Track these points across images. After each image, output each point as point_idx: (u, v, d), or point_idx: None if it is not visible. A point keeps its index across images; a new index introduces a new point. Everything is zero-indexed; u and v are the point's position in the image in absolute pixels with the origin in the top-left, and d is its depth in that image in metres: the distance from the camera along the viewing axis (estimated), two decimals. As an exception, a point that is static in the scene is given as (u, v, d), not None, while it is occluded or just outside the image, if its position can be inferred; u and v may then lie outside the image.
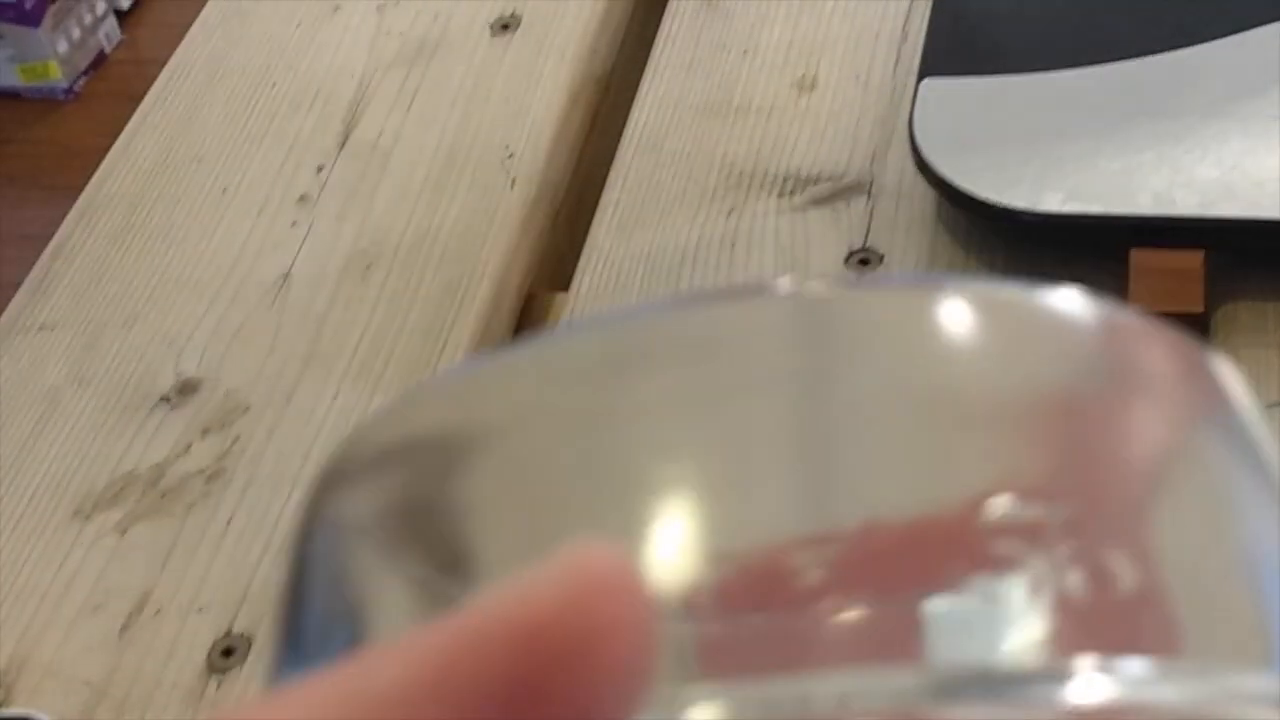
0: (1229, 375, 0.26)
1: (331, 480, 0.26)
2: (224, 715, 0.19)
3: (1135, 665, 0.21)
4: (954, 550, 0.22)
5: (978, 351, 0.25)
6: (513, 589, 0.19)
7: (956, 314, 0.25)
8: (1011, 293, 0.25)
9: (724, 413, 0.24)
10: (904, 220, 0.74)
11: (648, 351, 0.25)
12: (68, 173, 0.95)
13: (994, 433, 0.24)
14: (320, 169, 0.81)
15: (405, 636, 0.19)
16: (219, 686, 0.61)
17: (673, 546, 0.22)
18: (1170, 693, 0.21)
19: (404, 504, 0.25)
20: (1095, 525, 0.23)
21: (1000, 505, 0.23)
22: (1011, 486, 0.23)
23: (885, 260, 0.72)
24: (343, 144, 0.82)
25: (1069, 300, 0.25)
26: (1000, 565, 0.22)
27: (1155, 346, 0.26)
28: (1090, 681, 0.21)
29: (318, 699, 0.19)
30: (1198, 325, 0.70)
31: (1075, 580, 0.22)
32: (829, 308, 0.26)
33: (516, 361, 0.26)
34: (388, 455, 0.25)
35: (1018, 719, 0.21)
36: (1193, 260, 0.70)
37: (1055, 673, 0.21)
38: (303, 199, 0.80)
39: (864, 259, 0.73)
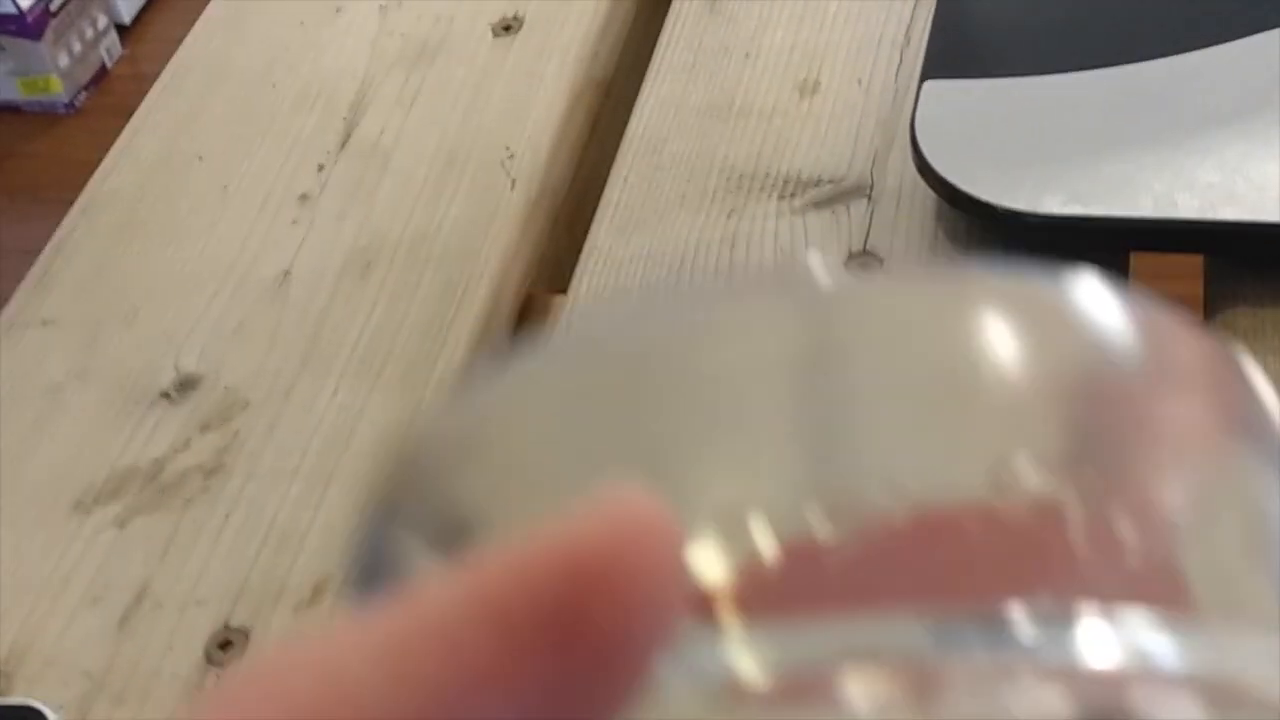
0: (1249, 365, 0.26)
1: (390, 483, 0.26)
2: (286, 648, 0.20)
3: (1142, 618, 0.21)
4: (975, 532, 0.23)
5: (1006, 341, 0.25)
6: (556, 524, 0.20)
7: (983, 304, 0.25)
8: (1042, 283, 0.26)
9: (757, 399, 0.25)
10: (904, 223, 0.74)
11: (679, 346, 0.26)
12: (67, 187, 0.95)
13: (1017, 416, 0.24)
14: (321, 168, 0.81)
15: (456, 566, 0.20)
16: (217, 679, 0.61)
17: (718, 529, 0.23)
18: (1176, 648, 0.21)
19: (453, 506, 0.25)
20: (1113, 500, 0.23)
21: (1019, 478, 0.23)
22: (1033, 463, 0.23)
23: (885, 263, 0.72)
24: (344, 143, 0.82)
25: (1093, 290, 0.25)
26: (1017, 540, 0.22)
27: (1180, 336, 0.26)
28: (1095, 631, 0.21)
29: (372, 627, 0.20)
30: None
31: (1093, 555, 0.22)
32: (857, 299, 0.26)
33: (545, 364, 0.26)
34: (439, 460, 0.26)
35: (1021, 671, 0.21)
36: (1193, 264, 0.70)
37: (1060, 621, 0.21)
38: (303, 197, 0.80)
39: (864, 262, 0.73)
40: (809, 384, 0.25)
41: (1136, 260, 0.70)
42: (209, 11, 0.92)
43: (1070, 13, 0.77)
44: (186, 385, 0.72)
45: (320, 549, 0.65)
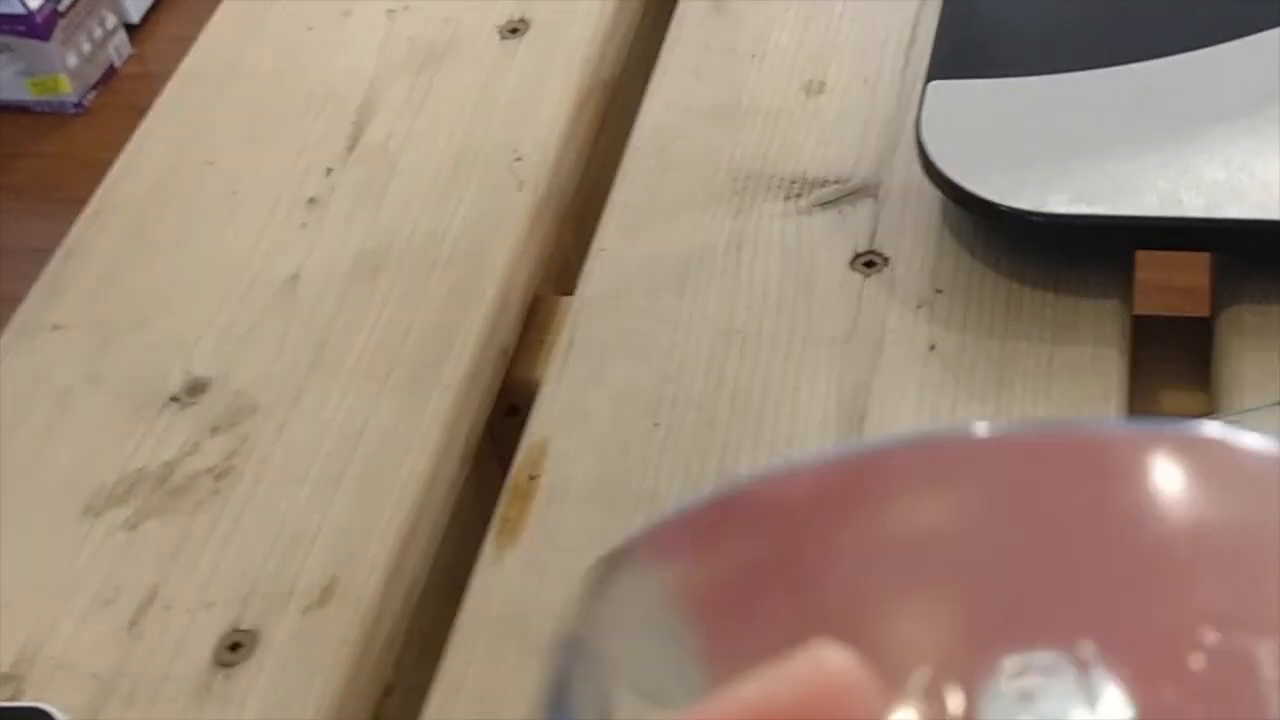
0: None
1: (574, 653, 0.26)
2: None
3: None
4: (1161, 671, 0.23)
5: (1182, 494, 0.25)
6: (759, 684, 0.21)
7: (1149, 456, 0.26)
8: (1207, 433, 0.26)
9: (943, 560, 0.25)
10: (910, 223, 0.74)
11: (856, 510, 0.26)
12: (76, 187, 0.95)
13: (1202, 571, 0.24)
14: (330, 171, 0.81)
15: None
16: (226, 681, 0.62)
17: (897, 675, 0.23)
18: None
19: (640, 672, 0.26)
20: None
21: (1207, 637, 0.23)
22: (1219, 621, 0.23)
23: (891, 262, 0.73)
24: (352, 147, 0.82)
25: (1254, 441, 0.26)
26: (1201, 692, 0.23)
27: None
28: None
29: None
30: (1203, 329, 0.70)
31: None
32: (1020, 462, 0.26)
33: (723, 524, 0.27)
34: (626, 627, 0.26)
35: None
36: (1199, 262, 0.70)
37: None
38: (312, 201, 0.80)
39: (870, 261, 0.73)
40: (987, 544, 0.25)
41: (1142, 259, 0.70)
42: (217, 16, 0.92)
43: (1075, 12, 0.77)
44: (196, 389, 0.73)
45: (329, 551, 0.65)
